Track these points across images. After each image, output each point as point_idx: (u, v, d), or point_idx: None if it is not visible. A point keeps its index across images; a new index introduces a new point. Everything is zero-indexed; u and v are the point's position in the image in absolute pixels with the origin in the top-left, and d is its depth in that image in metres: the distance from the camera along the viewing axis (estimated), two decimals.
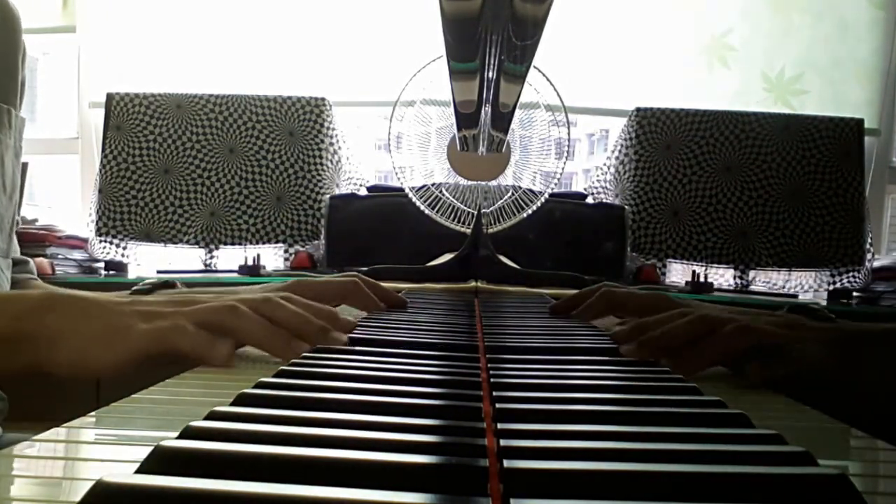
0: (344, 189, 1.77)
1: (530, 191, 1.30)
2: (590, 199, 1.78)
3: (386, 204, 1.64)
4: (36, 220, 1.67)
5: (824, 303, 1.58)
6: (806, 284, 1.68)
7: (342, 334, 0.49)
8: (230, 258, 1.68)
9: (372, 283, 0.71)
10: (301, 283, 0.66)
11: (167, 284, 0.68)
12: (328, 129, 1.72)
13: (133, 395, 0.34)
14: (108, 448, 0.25)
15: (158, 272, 1.60)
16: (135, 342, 0.43)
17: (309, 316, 0.48)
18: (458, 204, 1.28)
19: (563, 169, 1.30)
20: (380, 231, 1.59)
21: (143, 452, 0.21)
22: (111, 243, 1.68)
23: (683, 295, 1.32)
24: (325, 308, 0.51)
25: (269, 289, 0.61)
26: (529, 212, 1.30)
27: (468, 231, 1.25)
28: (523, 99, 1.15)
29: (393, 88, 1.30)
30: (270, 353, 0.46)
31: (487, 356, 0.43)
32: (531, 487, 0.20)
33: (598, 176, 1.82)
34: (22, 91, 0.74)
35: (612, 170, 1.77)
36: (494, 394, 0.31)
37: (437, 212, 1.29)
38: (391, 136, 1.30)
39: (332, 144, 1.73)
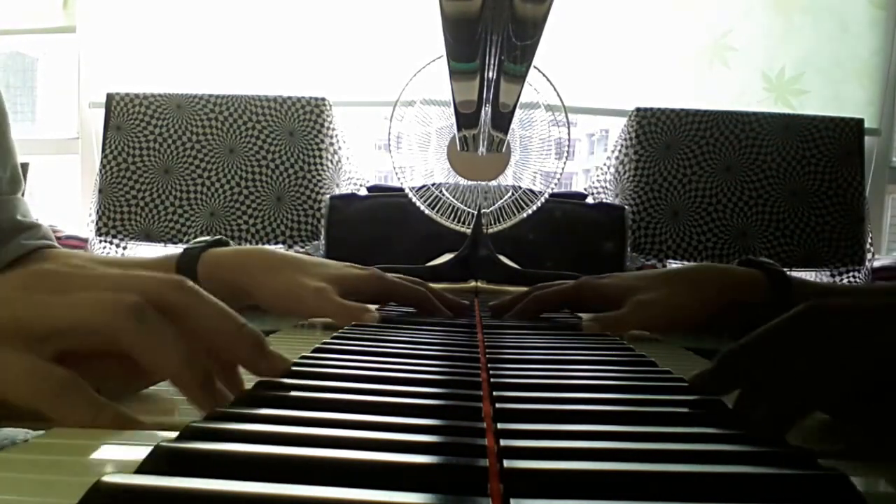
0: (344, 189, 1.77)
1: (530, 191, 1.30)
2: (590, 199, 1.78)
3: (386, 204, 1.64)
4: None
5: None
6: None
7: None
8: None
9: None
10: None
11: (220, 243, 0.65)
12: (328, 129, 1.72)
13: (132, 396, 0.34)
14: (108, 448, 0.25)
15: None
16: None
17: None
18: (458, 204, 1.28)
19: (563, 169, 1.30)
20: (380, 231, 1.58)
21: (143, 452, 0.21)
22: (111, 243, 1.68)
23: None
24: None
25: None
26: (529, 212, 1.30)
27: (468, 231, 1.25)
28: (523, 99, 1.15)
29: (393, 88, 1.30)
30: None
31: (487, 356, 0.43)
32: (531, 487, 0.20)
33: (598, 176, 1.82)
34: None
35: (612, 170, 1.77)
36: (494, 394, 0.31)
37: (437, 212, 1.29)
38: (391, 136, 1.30)
39: (332, 144, 1.73)
